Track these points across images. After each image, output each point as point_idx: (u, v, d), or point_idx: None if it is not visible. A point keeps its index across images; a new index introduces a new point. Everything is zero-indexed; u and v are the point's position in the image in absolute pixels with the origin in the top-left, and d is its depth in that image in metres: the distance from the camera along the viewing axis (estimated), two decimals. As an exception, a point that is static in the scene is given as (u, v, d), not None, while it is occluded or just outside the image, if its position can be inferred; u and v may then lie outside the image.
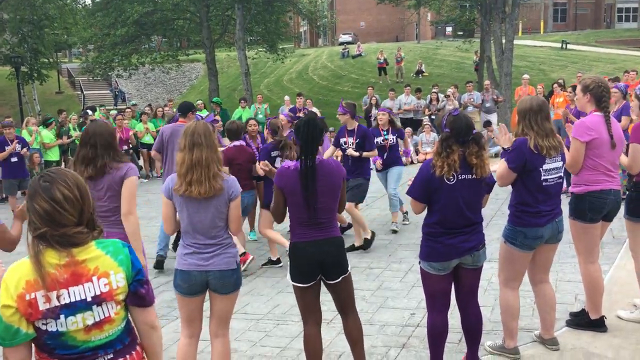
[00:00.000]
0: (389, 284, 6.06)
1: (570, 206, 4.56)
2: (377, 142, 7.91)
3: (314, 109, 14.66)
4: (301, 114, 13.87)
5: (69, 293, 2.05)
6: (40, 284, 2.02)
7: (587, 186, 4.39)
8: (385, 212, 9.04)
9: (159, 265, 6.94)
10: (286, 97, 17.73)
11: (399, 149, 9.01)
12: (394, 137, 8.22)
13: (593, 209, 4.41)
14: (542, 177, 4.00)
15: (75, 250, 2.08)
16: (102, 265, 2.12)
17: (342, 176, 3.87)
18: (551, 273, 5.55)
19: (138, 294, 2.20)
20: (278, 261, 6.85)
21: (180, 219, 3.71)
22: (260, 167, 6.51)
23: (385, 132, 8.17)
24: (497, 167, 4.09)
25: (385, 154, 8.13)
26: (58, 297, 2.03)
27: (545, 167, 3.99)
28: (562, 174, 4.11)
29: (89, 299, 2.08)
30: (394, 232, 8.05)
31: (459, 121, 3.70)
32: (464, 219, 3.75)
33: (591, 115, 4.42)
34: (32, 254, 2.05)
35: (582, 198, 4.41)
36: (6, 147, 10.59)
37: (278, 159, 6.83)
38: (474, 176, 3.71)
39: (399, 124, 9.73)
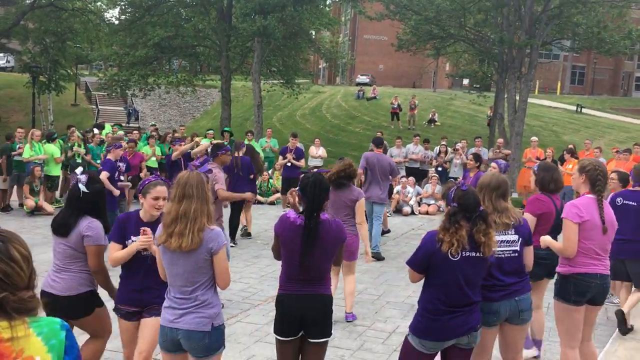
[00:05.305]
0: (371, 345, 5.85)
1: (555, 286, 4.45)
2: None
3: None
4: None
5: None
6: None
7: (571, 267, 4.27)
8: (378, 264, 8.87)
9: None
10: (268, 130, 17.63)
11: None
12: None
13: (577, 292, 4.28)
14: None
15: (4, 324, 1.80)
16: (28, 348, 1.80)
17: (342, 240, 3.82)
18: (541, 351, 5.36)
19: None
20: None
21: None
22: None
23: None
24: None
25: None
26: None
27: None
28: (517, 248, 3.95)
29: None
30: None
31: (468, 196, 3.57)
32: (464, 297, 3.57)
33: (583, 197, 4.37)
34: None
35: (567, 279, 4.28)
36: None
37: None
38: (478, 254, 3.55)
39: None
